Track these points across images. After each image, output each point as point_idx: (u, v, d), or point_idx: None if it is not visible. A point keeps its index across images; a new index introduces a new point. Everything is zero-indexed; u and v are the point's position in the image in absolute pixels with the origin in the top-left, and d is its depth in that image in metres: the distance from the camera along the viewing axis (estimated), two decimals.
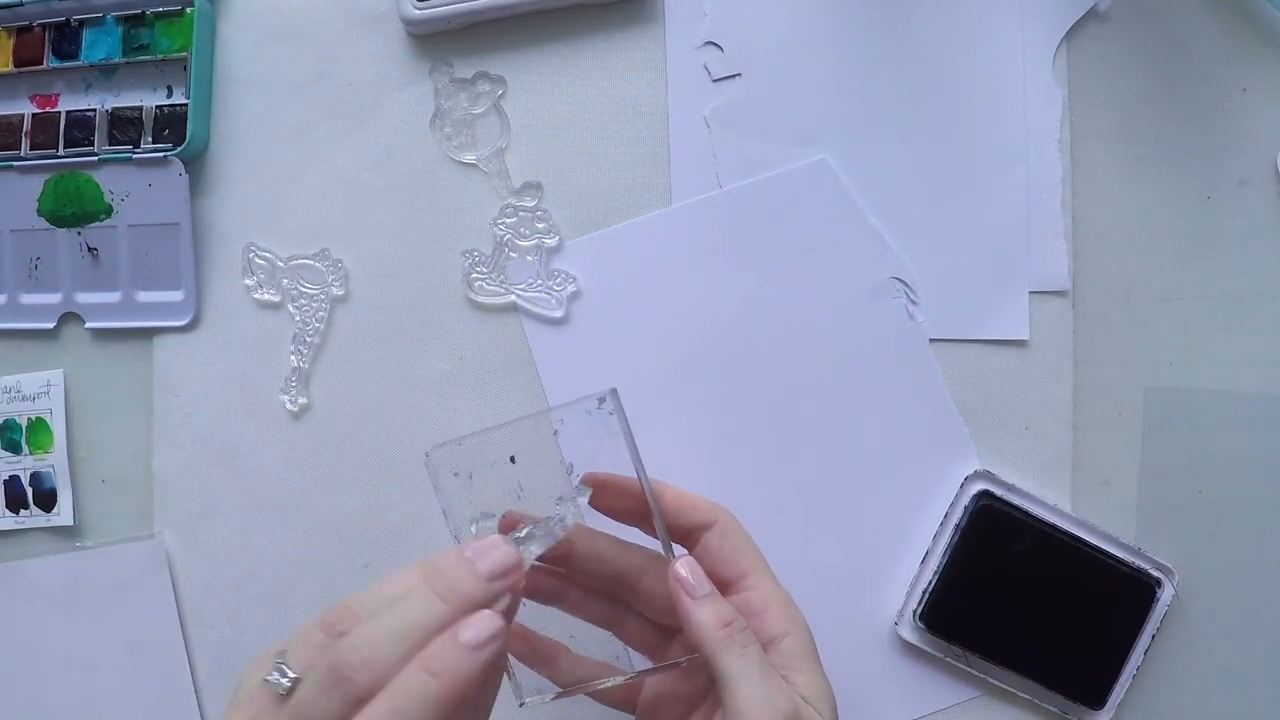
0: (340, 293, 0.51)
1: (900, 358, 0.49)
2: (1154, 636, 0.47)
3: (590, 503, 0.38)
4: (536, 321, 0.50)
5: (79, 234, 0.52)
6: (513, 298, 0.50)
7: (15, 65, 0.53)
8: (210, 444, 0.52)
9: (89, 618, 0.52)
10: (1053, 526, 0.47)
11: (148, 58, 0.51)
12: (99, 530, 0.53)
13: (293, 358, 0.51)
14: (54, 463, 0.53)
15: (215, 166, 0.52)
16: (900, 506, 0.48)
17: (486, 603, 0.32)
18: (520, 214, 0.50)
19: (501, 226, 0.50)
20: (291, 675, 0.30)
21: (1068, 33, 0.49)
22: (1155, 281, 0.49)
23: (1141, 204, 0.49)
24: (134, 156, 0.51)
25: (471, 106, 0.51)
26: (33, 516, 0.53)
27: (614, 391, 0.38)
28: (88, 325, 0.53)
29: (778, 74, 0.50)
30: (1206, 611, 0.48)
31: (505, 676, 0.36)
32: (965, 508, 0.47)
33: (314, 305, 0.51)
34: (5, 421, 0.53)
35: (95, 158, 0.52)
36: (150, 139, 0.52)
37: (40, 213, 0.53)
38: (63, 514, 0.53)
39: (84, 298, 0.53)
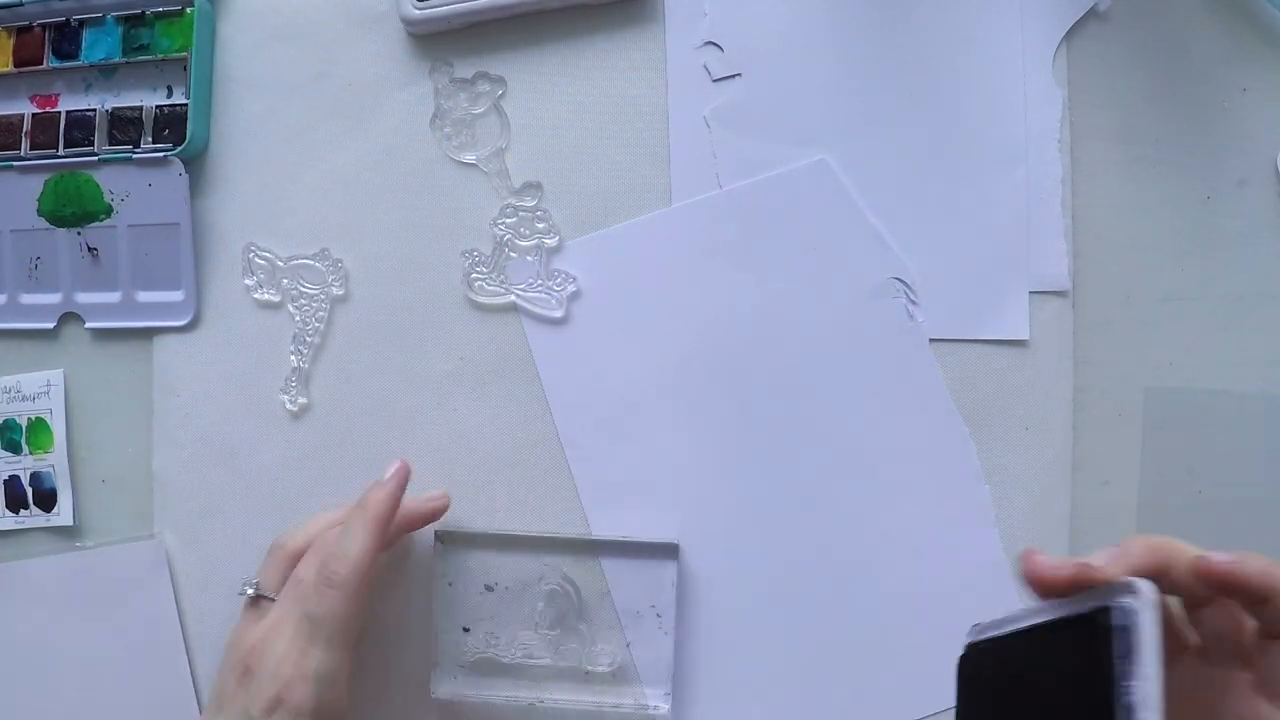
0: (340, 293, 0.51)
1: (900, 358, 0.49)
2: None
3: None
4: (536, 321, 0.50)
5: (79, 234, 0.52)
6: (513, 298, 0.50)
7: (15, 65, 0.53)
8: (210, 444, 0.52)
9: (89, 618, 0.52)
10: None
11: (148, 58, 0.51)
12: (99, 530, 0.53)
13: (293, 358, 0.51)
14: (54, 463, 0.53)
15: (215, 166, 0.52)
16: (898, 506, 0.48)
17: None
18: (520, 214, 0.50)
19: (501, 226, 0.50)
20: (255, 585, 0.44)
21: (1068, 33, 0.49)
22: (1155, 281, 0.49)
23: (1141, 204, 0.49)
24: (134, 156, 0.51)
25: (471, 106, 0.51)
26: (33, 516, 0.53)
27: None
28: (88, 325, 0.53)
29: (778, 74, 0.50)
30: None
31: None
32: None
33: (314, 305, 0.51)
34: (5, 421, 0.53)
35: (95, 158, 0.52)
36: (150, 139, 0.52)
37: (40, 213, 0.53)
38: (63, 514, 0.53)
39: (84, 298, 0.53)
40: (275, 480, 0.51)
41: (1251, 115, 0.49)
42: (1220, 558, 0.31)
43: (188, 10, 0.51)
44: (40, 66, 0.52)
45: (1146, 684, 0.27)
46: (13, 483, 0.53)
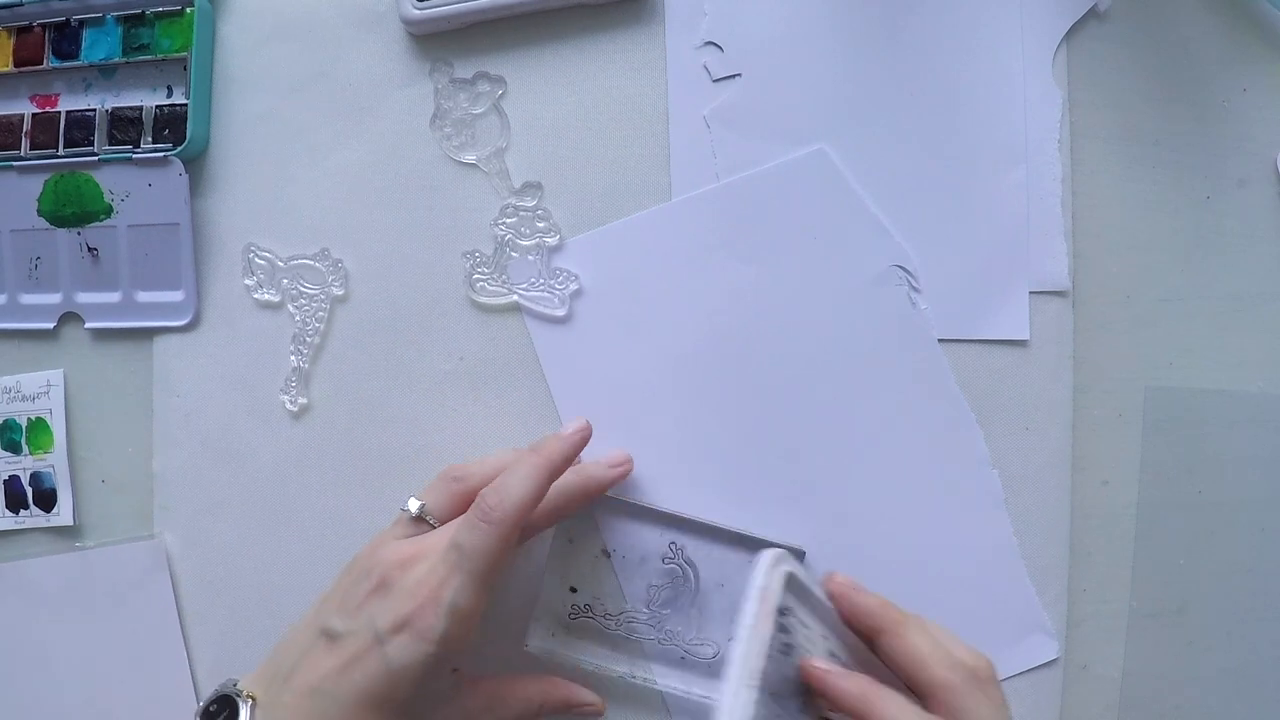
0: (340, 293, 0.51)
1: (904, 345, 0.49)
2: None
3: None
4: (539, 320, 0.50)
5: (79, 234, 0.52)
6: (515, 297, 0.50)
7: (15, 65, 0.53)
8: (210, 444, 0.52)
9: (89, 618, 0.52)
10: None
11: (148, 58, 0.51)
12: (99, 530, 0.53)
13: (293, 358, 0.51)
14: (54, 463, 0.53)
15: (215, 166, 0.52)
16: (908, 494, 0.48)
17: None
18: (521, 214, 0.50)
19: (502, 226, 0.50)
20: (423, 506, 0.44)
21: (1068, 33, 0.49)
22: (1155, 281, 0.49)
23: (1141, 204, 0.49)
24: (134, 156, 0.51)
25: (471, 106, 0.51)
26: (33, 516, 0.53)
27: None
28: (88, 325, 0.53)
29: (778, 74, 0.50)
30: (1207, 611, 0.48)
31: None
32: None
33: (314, 305, 0.51)
34: (5, 421, 0.53)
35: (95, 158, 0.52)
36: (150, 139, 0.52)
37: (40, 213, 0.53)
38: (63, 514, 0.53)
39: (84, 298, 0.53)
40: (275, 480, 0.51)
41: (1251, 115, 0.49)
42: (837, 581, 0.41)
43: (188, 10, 0.51)
44: (40, 66, 0.52)
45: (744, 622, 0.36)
46: (13, 483, 0.53)
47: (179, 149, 0.51)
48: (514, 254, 0.50)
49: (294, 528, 0.51)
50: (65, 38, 0.52)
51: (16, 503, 0.53)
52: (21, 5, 0.52)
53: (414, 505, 0.44)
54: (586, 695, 0.47)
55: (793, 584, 0.38)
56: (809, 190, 0.49)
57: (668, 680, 0.48)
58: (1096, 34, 0.49)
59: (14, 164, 0.52)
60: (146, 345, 0.53)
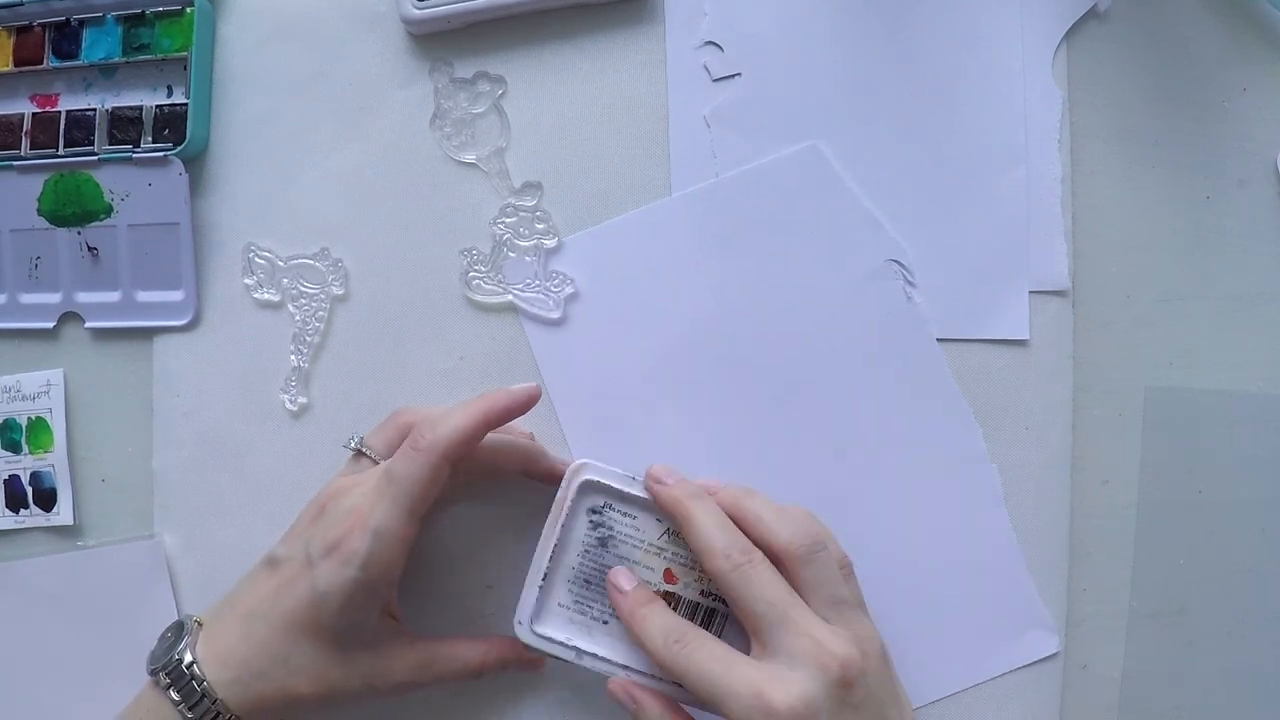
0: (340, 292, 0.51)
1: (900, 340, 0.49)
2: None
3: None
4: (535, 322, 0.50)
5: (79, 234, 0.52)
6: (510, 297, 0.50)
7: (15, 65, 0.53)
8: (210, 444, 0.52)
9: (89, 618, 0.52)
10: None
11: (148, 57, 0.51)
12: (99, 530, 0.53)
13: (293, 357, 0.51)
14: (54, 462, 0.53)
15: (215, 166, 0.52)
16: (906, 487, 0.48)
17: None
18: (520, 214, 0.50)
19: (501, 226, 0.50)
20: (360, 440, 0.46)
21: (1068, 33, 0.49)
22: (1155, 281, 0.49)
23: (1141, 204, 0.49)
24: (134, 156, 0.51)
25: (471, 106, 0.51)
26: (32, 516, 0.53)
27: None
28: (88, 325, 0.53)
29: (778, 74, 0.50)
30: (1207, 611, 0.48)
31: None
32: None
33: (314, 305, 0.51)
34: (5, 421, 0.53)
35: (95, 157, 0.52)
36: (150, 139, 0.52)
37: (40, 212, 0.53)
38: (62, 514, 0.53)
39: (84, 297, 0.53)
40: (275, 480, 0.51)
41: (1251, 115, 0.49)
42: (648, 474, 0.45)
43: (188, 10, 0.51)
44: (40, 66, 0.52)
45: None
46: (13, 482, 0.53)
47: (179, 149, 0.51)
48: (511, 254, 0.50)
49: None
50: (65, 37, 0.52)
51: (16, 502, 0.53)
52: (21, 5, 0.52)
53: (353, 442, 0.46)
54: (526, 653, 0.46)
55: (596, 486, 0.45)
56: (802, 186, 0.49)
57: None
58: (1096, 34, 0.49)
59: (14, 164, 0.52)
60: (146, 345, 0.53)
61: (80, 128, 0.52)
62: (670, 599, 0.44)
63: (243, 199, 0.52)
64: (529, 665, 0.47)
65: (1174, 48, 0.49)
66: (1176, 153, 0.49)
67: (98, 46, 0.52)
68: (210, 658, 0.42)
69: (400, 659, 0.44)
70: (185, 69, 0.51)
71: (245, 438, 0.52)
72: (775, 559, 0.41)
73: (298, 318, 0.51)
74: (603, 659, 0.44)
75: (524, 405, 0.45)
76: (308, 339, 0.51)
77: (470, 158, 0.51)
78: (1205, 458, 0.48)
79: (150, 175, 0.51)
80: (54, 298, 0.53)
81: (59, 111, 0.52)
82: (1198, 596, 0.48)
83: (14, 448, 0.53)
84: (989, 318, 0.49)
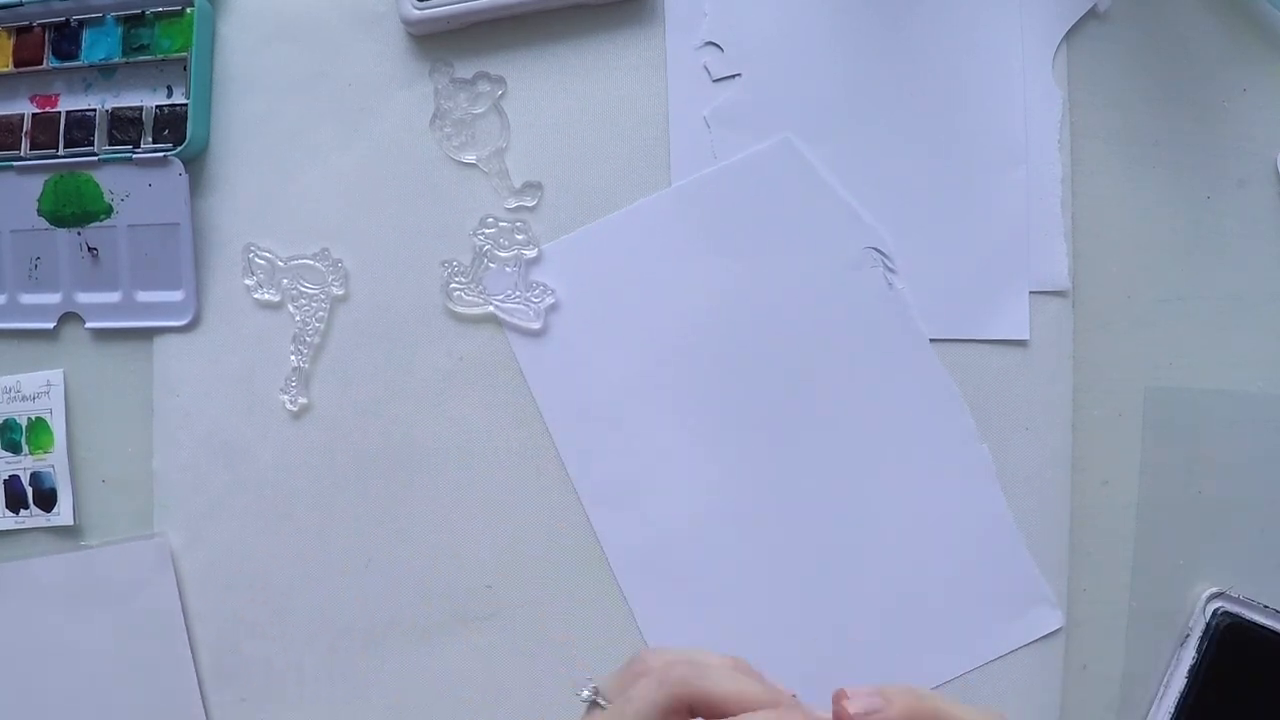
0: (340, 293, 0.51)
1: (884, 326, 0.49)
2: None
3: None
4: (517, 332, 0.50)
5: (79, 234, 0.52)
6: (491, 308, 0.50)
7: (15, 65, 0.53)
8: (210, 444, 0.52)
9: (92, 617, 0.52)
10: None
11: (148, 58, 0.51)
12: (99, 530, 0.53)
13: (293, 358, 0.51)
14: (54, 463, 0.53)
15: (215, 166, 0.52)
16: (899, 475, 0.48)
17: None
18: (500, 225, 0.50)
19: (481, 237, 0.50)
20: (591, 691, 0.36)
21: (1068, 33, 0.49)
22: (1155, 281, 0.49)
23: (1141, 204, 0.49)
24: (134, 156, 0.51)
25: (471, 106, 0.51)
26: (33, 516, 0.53)
27: None
28: (88, 325, 0.53)
29: (778, 74, 0.50)
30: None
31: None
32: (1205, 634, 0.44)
33: (314, 305, 0.51)
34: (5, 421, 0.53)
35: (95, 158, 0.52)
36: (150, 139, 0.52)
37: (40, 213, 0.53)
38: (63, 514, 0.53)
39: (84, 298, 0.53)
40: (275, 480, 0.51)
41: (1251, 115, 0.49)
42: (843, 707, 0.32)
43: (188, 10, 0.51)
44: (40, 66, 0.52)
45: None
46: (13, 482, 0.53)
47: (179, 149, 0.51)
48: (491, 265, 0.50)
49: (294, 527, 0.51)
50: (65, 38, 0.52)
51: (16, 503, 0.53)
52: (21, 5, 0.52)
53: (586, 690, 0.37)
54: None
55: None
56: (776, 180, 0.49)
57: None
58: (1096, 34, 0.49)
59: (14, 164, 0.52)
60: (146, 345, 0.53)
61: (80, 128, 0.52)
62: None
63: (243, 199, 0.52)
64: None
65: (1174, 48, 0.49)
66: (1176, 153, 0.49)
67: (97, 47, 0.52)
68: None
69: None
70: (185, 69, 0.51)
71: (245, 438, 0.52)
72: None
73: (298, 318, 0.51)
74: None
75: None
76: (308, 339, 0.51)
77: (470, 158, 0.51)
78: (1205, 458, 0.48)
79: (150, 175, 0.51)
80: (54, 298, 0.53)
81: (59, 112, 0.52)
82: (1197, 596, 0.48)
83: (14, 448, 0.53)
84: (989, 318, 0.49)
